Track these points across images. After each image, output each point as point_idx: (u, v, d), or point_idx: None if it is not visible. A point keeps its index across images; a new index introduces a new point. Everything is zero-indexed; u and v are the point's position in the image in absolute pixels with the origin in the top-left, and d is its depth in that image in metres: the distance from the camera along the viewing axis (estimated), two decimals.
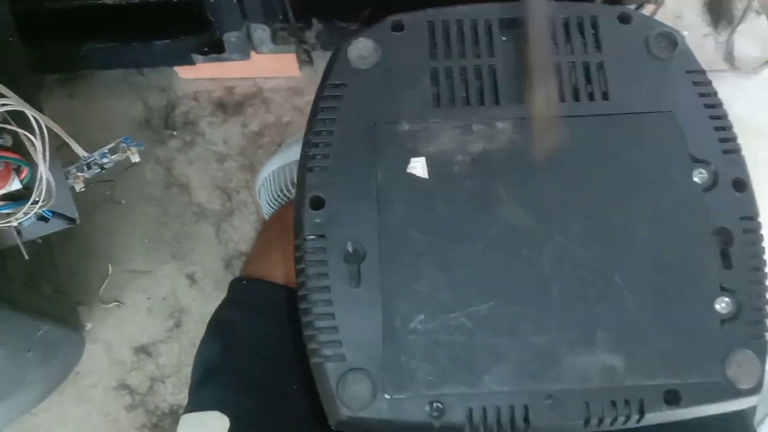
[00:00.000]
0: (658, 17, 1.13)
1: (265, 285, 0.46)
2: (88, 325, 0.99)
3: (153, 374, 0.99)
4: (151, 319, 1.01)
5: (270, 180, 0.80)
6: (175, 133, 1.01)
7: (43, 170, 0.47)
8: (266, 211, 0.81)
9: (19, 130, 0.46)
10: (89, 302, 1.00)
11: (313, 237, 0.34)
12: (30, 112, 0.45)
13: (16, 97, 0.46)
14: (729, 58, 1.10)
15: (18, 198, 0.49)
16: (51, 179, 0.48)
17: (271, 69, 0.94)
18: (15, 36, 0.55)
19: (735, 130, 0.38)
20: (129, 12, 0.72)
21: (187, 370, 0.96)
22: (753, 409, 0.47)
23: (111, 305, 1.00)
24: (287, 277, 0.46)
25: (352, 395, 0.32)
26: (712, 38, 1.12)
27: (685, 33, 1.13)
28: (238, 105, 0.97)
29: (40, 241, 0.65)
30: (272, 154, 0.89)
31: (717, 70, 1.10)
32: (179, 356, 1.00)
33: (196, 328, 0.97)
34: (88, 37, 0.78)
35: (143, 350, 1.00)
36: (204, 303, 0.99)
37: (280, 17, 0.78)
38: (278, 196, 0.78)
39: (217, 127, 0.97)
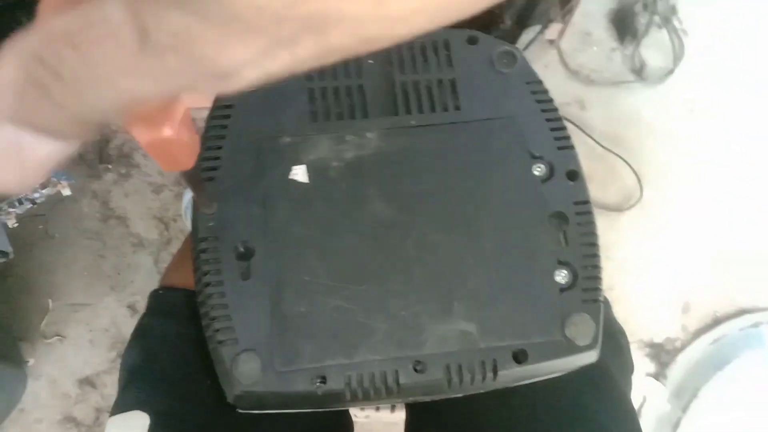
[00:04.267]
0: (567, 35, 1.20)
1: (178, 292, 0.49)
2: (31, 361, 1.00)
3: (98, 405, 1.00)
4: (94, 351, 1.02)
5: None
6: (110, 166, 1.03)
7: None
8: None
9: None
10: (31, 338, 1.01)
11: (207, 239, 0.39)
12: None
13: None
14: (636, 69, 1.19)
15: None
16: None
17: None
18: None
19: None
20: None
21: None
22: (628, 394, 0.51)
23: (53, 339, 1.01)
24: None
25: (244, 372, 0.37)
26: (620, 52, 1.20)
27: (595, 48, 1.21)
28: None
29: None
30: None
31: (626, 81, 1.18)
32: None
33: None
34: None
35: (87, 382, 1.00)
36: None
37: None
38: None
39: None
